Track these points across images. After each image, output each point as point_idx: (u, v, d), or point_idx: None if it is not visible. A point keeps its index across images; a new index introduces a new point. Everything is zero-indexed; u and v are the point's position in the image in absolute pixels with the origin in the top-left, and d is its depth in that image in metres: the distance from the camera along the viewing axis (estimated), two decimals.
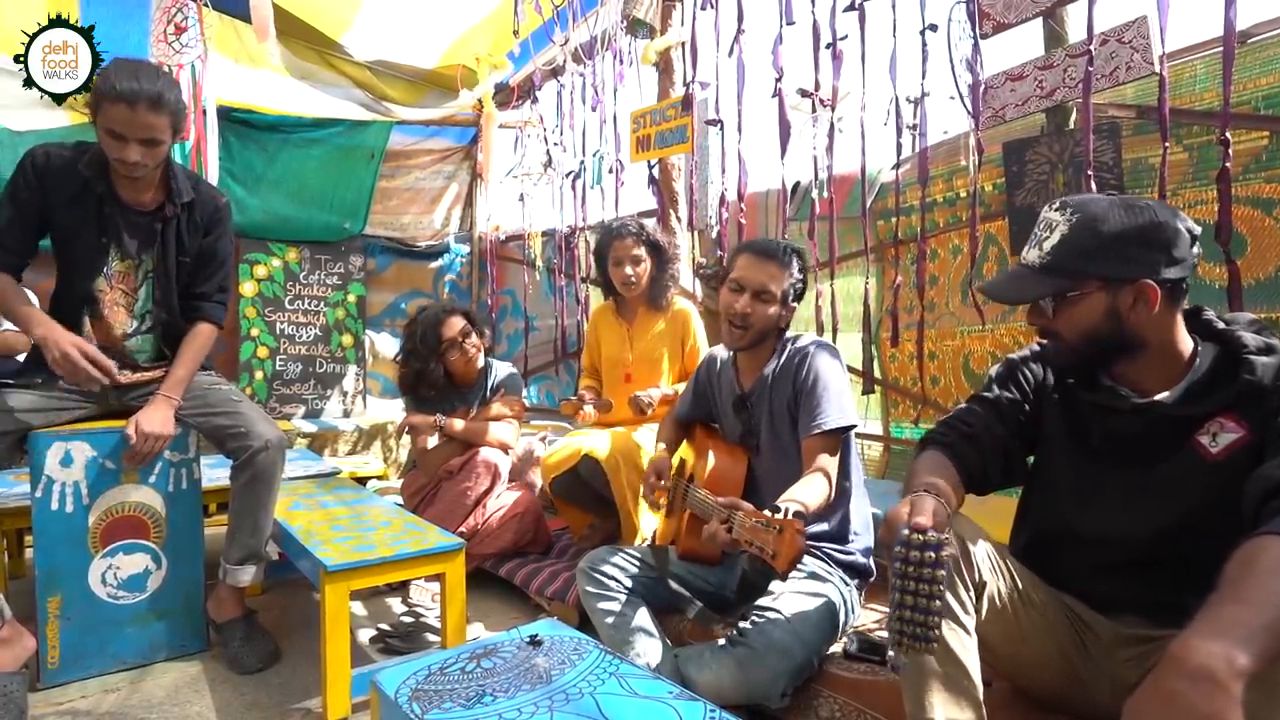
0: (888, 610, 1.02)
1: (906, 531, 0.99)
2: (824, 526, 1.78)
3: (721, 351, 2.02)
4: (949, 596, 1.09)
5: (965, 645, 1.10)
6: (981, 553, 1.15)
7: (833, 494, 1.62)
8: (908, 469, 1.30)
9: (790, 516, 1.32)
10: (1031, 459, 1.37)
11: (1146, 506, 1.17)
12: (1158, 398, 1.16)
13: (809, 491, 1.53)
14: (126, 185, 1.93)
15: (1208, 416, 1.12)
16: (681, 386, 2.62)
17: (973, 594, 1.13)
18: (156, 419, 1.94)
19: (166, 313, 2.06)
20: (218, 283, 2.13)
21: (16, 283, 1.93)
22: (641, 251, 2.64)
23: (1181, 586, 0.97)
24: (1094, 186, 2.00)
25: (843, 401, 1.70)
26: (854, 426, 1.73)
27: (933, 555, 0.96)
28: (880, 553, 1.91)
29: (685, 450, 2.06)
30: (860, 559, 1.79)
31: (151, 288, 2.03)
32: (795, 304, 1.84)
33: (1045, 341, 1.28)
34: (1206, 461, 1.11)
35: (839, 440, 1.70)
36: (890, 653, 1.02)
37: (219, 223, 2.09)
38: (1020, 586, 1.21)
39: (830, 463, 1.64)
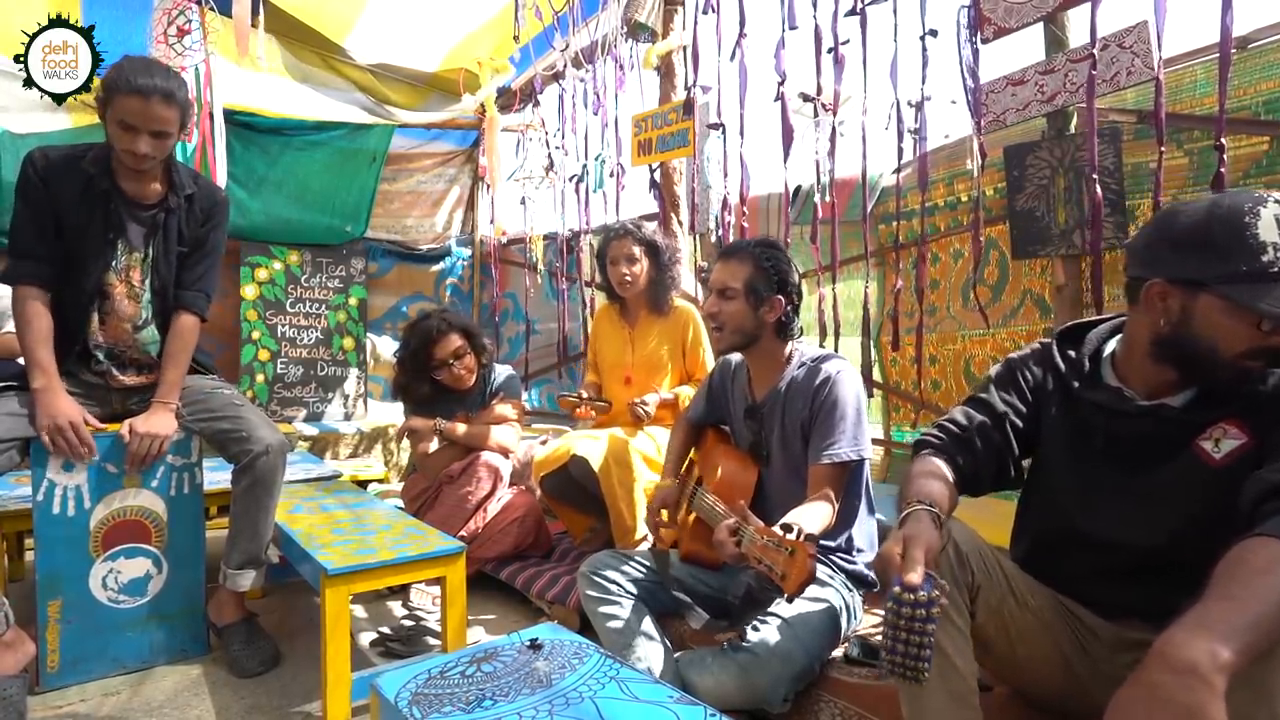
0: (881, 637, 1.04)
1: (898, 589, 0.99)
2: (830, 541, 1.78)
3: (737, 356, 1.99)
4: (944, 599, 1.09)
5: (960, 648, 1.10)
6: (975, 556, 1.15)
7: (833, 523, 1.63)
8: (903, 473, 1.29)
9: (803, 539, 1.31)
10: (1029, 461, 1.36)
11: (1148, 511, 1.17)
12: (1166, 400, 1.16)
13: (813, 517, 1.53)
14: (131, 180, 1.95)
15: (1212, 421, 1.12)
16: (682, 390, 2.64)
17: (966, 596, 1.13)
18: (153, 419, 1.95)
19: (164, 301, 2.07)
20: (201, 272, 2.11)
21: (47, 301, 1.90)
22: (638, 251, 2.65)
23: (1183, 591, 0.97)
24: (1100, 190, 2.00)
25: (858, 432, 1.69)
26: (865, 460, 1.73)
27: (923, 613, 0.97)
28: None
29: (695, 452, 2.06)
30: (863, 569, 1.80)
31: (151, 279, 2.04)
32: (777, 296, 1.77)
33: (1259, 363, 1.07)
34: (1209, 467, 1.11)
35: (848, 470, 1.69)
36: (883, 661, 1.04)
37: (217, 214, 2.11)
38: (1016, 589, 1.21)
39: (835, 492, 1.64)
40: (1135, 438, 1.17)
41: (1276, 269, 0.99)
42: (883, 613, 1.03)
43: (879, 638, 1.71)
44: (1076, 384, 1.25)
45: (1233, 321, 1.04)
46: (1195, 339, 1.07)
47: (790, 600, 1.34)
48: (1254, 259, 1.00)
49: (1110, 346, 1.26)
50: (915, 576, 0.99)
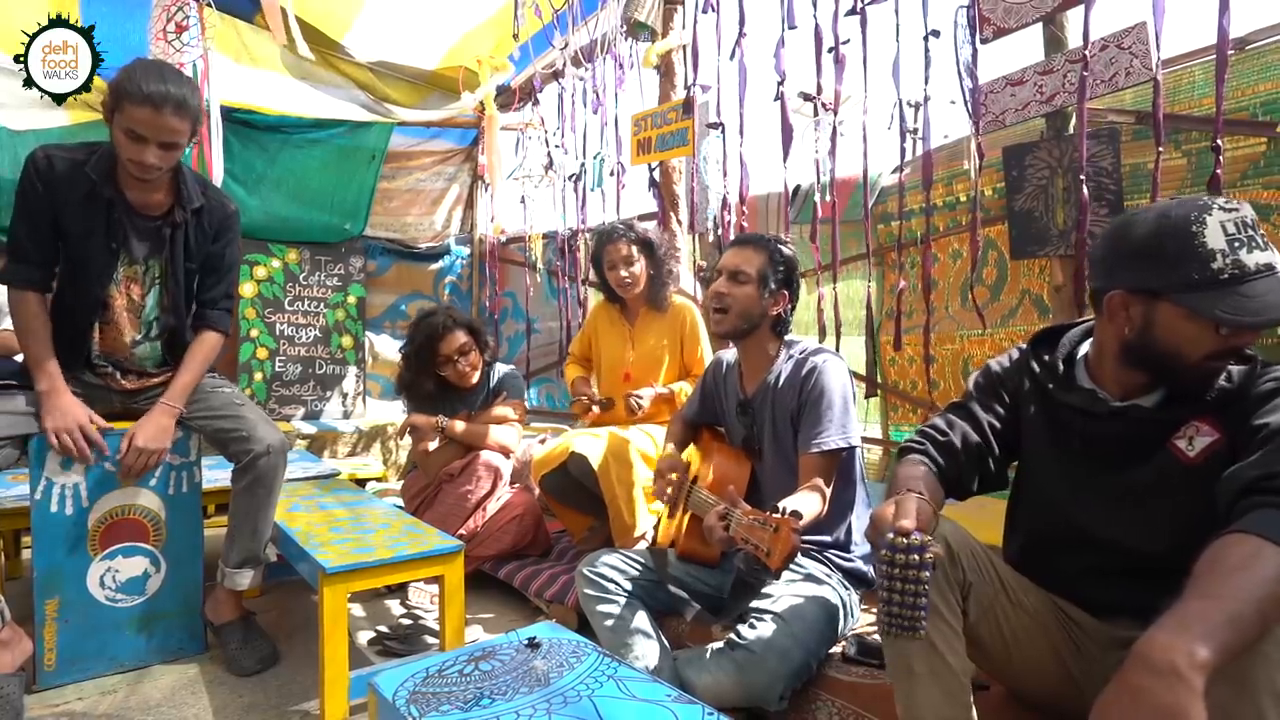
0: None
1: (891, 535, 1.01)
2: (827, 536, 1.79)
3: (729, 355, 2.02)
4: (935, 597, 1.10)
5: (953, 647, 1.11)
6: (966, 554, 1.16)
7: (825, 511, 1.64)
8: (889, 477, 1.30)
9: (787, 515, 1.33)
10: (1015, 463, 1.37)
11: (1132, 509, 1.18)
12: (1138, 401, 1.17)
13: (802, 503, 1.54)
14: (136, 189, 1.90)
15: (1184, 420, 1.13)
16: (677, 386, 2.64)
17: (958, 595, 1.14)
18: (153, 430, 1.92)
19: (174, 319, 2.03)
20: (223, 290, 2.10)
21: (43, 303, 1.90)
22: (634, 251, 2.66)
23: (1170, 589, 0.98)
24: (1088, 191, 2.00)
25: (846, 421, 1.70)
26: (854, 448, 1.74)
27: (916, 558, 0.98)
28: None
29: (691, 453, 2.07)
30: (861, 566, 1.80)
31: (160, 294, 2.01)
32: (783, 291, 1.83)
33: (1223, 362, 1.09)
34: (1184, 465, 1.12)
35: (837, 459, 1.70)
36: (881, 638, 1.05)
37: (228, 229, 2.07)
38: (1009, 588, 1.22)
39: (825, 482, 1.65)
40: (1111, 438, 1.19)
41: (1227, 275, 1.02)
42: (876, 565, 1.03)
43: (876, 636, 1.73)
44: (1051, 386, 1.26)
45: (1193, 328, 1.06)
46: (1159, 345, 1.09)
47: (777, 576, 1.36)
48: (1204, 267, 1.02)
49: (1084, 349, 1.28)
50: (908, 522, 1.01)
